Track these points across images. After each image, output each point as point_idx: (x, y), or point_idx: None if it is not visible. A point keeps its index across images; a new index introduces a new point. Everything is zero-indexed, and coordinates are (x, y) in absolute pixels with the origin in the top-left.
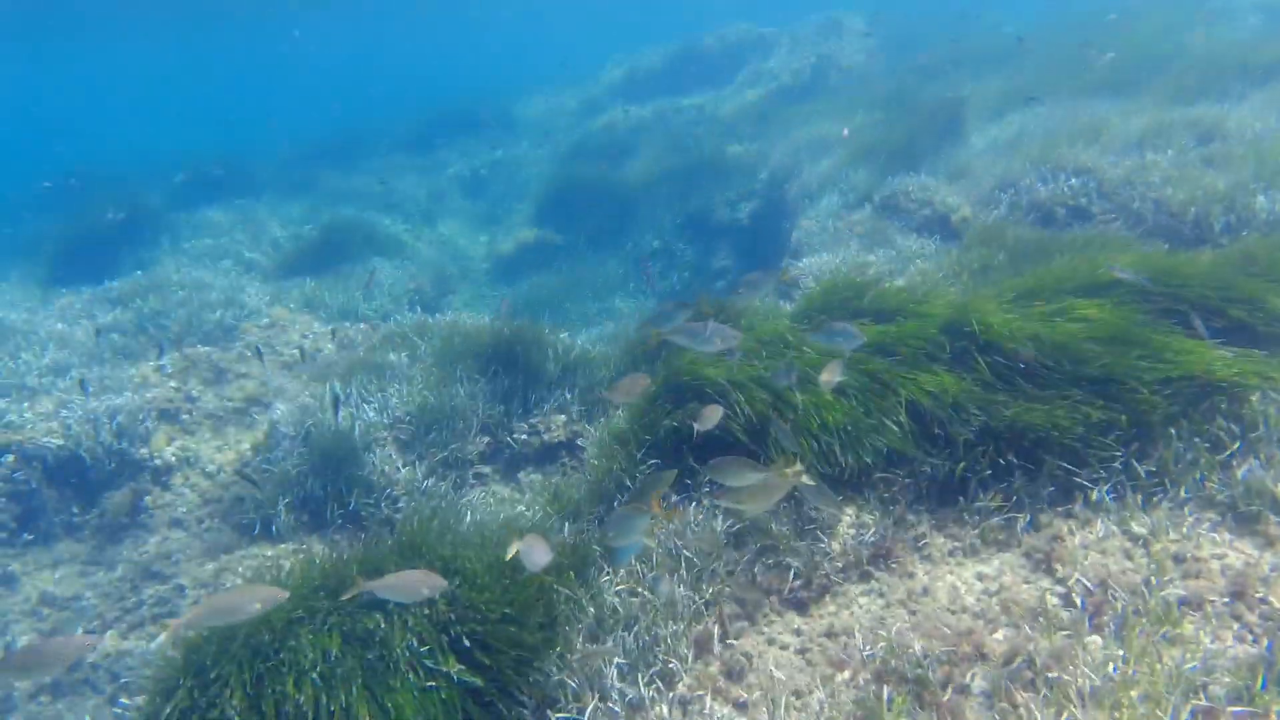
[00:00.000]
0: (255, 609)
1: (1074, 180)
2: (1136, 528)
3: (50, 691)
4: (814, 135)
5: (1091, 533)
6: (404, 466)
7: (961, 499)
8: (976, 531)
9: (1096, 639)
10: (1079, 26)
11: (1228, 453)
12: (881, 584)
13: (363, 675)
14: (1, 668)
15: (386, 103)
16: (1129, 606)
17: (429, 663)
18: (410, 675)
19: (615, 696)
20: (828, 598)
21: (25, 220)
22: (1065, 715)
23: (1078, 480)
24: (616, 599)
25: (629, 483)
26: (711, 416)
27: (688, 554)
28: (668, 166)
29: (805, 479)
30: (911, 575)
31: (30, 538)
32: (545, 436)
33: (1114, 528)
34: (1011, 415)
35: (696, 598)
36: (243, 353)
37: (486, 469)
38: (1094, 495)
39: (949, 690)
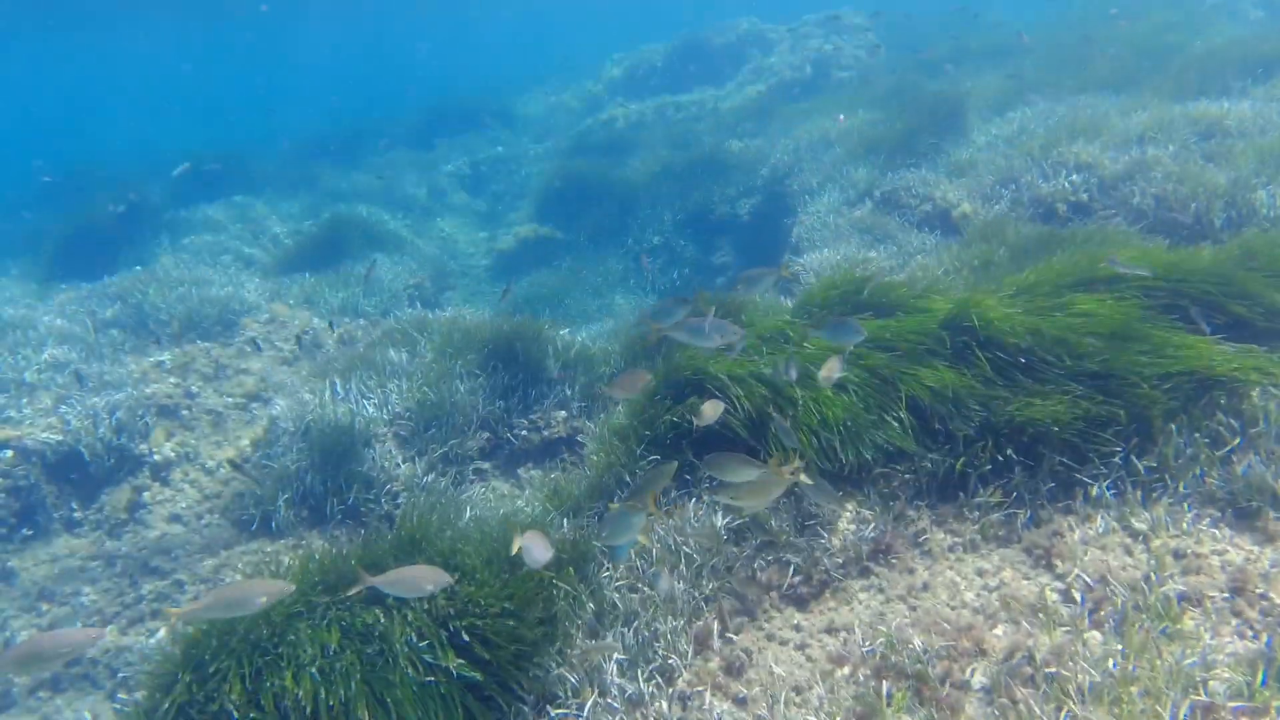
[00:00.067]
0: (262, 602)
1: (1075, 176)
2: (1136, 524)
3: (50, 686)
4: (815, 131)
5: (1091, 529)
6: (404, 462)
7: (962, 495)
8: (977, 527)
9: (1096, 635)
10: (1080, 23)
11: (1228, 449)
12: (881, 579)
13: (361, 670)
14: (8, 660)
15: (387, 99)
16: (1129, 602)
17: (428, 657)
18: (409, 670)
19: (615, 692)
20: (828, 593)
21: (23, 216)
22: (1065, 711)
23: (1078, 476)
24: (616, 594)
25: (629, 478)
26: (712, 412)
27: (687, 549)
28: (668, 163)
29: (804, 476)
30: (911, 571)
31: (29, 533)
32: (545, 432)
33: (1114, 524)
34: (1012, 410)
35: (696, 593)
36: (242, 348)
37: (486, 465)
38: (1094, 491)
39: (948, 686)
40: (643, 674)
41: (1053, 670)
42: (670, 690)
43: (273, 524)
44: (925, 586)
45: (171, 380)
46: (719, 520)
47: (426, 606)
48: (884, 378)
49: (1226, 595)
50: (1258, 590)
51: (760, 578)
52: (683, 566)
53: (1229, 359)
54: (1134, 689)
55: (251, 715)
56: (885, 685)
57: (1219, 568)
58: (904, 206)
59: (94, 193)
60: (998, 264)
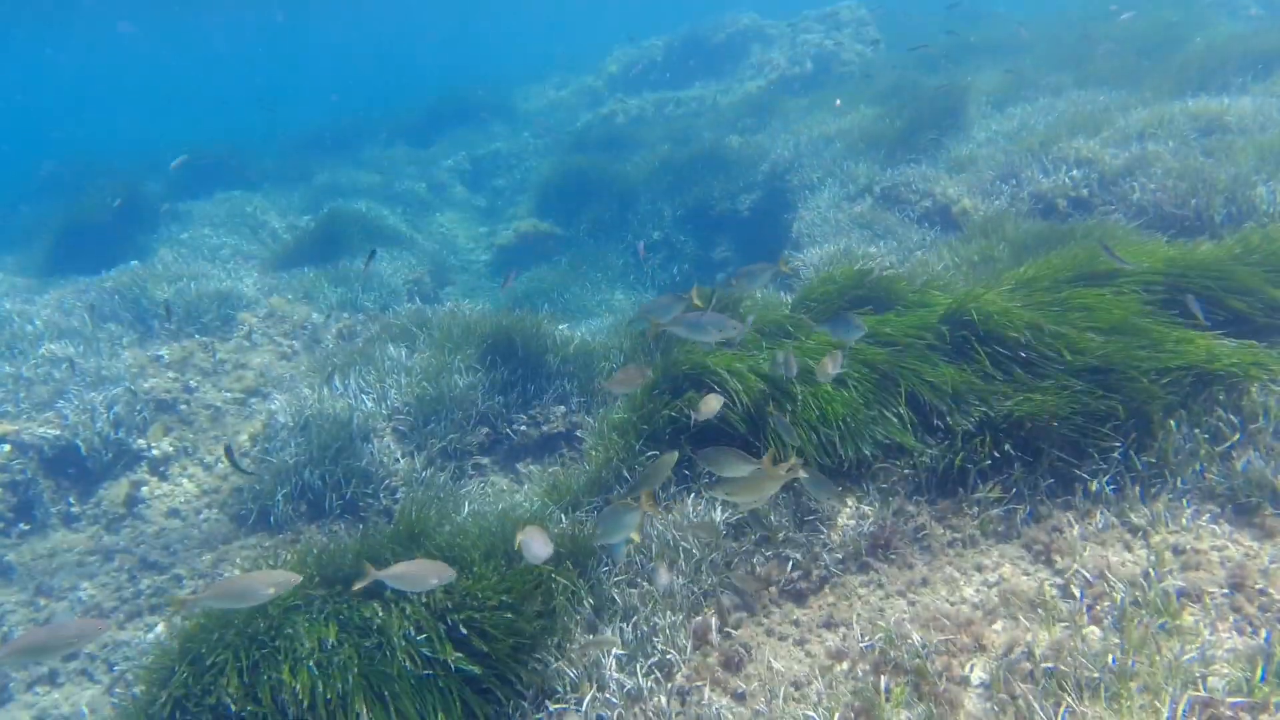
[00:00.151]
0: (270, 592)
1: (1076, 171)
2: (1136, 519)
3: (48, 680)
4: (815, 127)
5: (1091, 524)
6: (402, 457)
7: (961, 490)
8: (976, 523)
9: (1095, 630)
10: (1080, 19)
11: (1227, 444)
12: (881, 575)
13: (359, 663)
14: (13, 649)
15: (386, 94)
16: (1128, 598)
17: (426, 651)
18: (407, 663)
19: (614, 687)
20: (826, 588)
21: (21, 210)
22: (1063, 706)
23: (1077, 472)
24: (615, 590)
25: (627, 473)
26: (711, 406)
27: (686, 545)
28: (668, 158)
29: (802, 472)
30: (911, 566)
31: (27, 528)
32: (544, 427)
33: (1113, 519)
34: (1011, 406)
35: (695, 588)
36: (241, 343)
37: (485, 460)
38: (1093, 487)
39: (947, 681)
40: (641, 669)
41: (1051, 666)
42: (669, 685)
43: (271, 519)
44: (924, 582)
45: (169, 375)
46: (718, 515)
47: (425, 600)
48: (884, 373)
49: (1226, 591)
50: (1257, 586)
51: (759, 573)
52: (682, 561)
53: (1228, 354)
54: (1133, 684)
55: (249, 708)
56: (884, 680)
57: (1218, 563)
58: (904, 202)
59: (92, 186)
60: (998, 259)
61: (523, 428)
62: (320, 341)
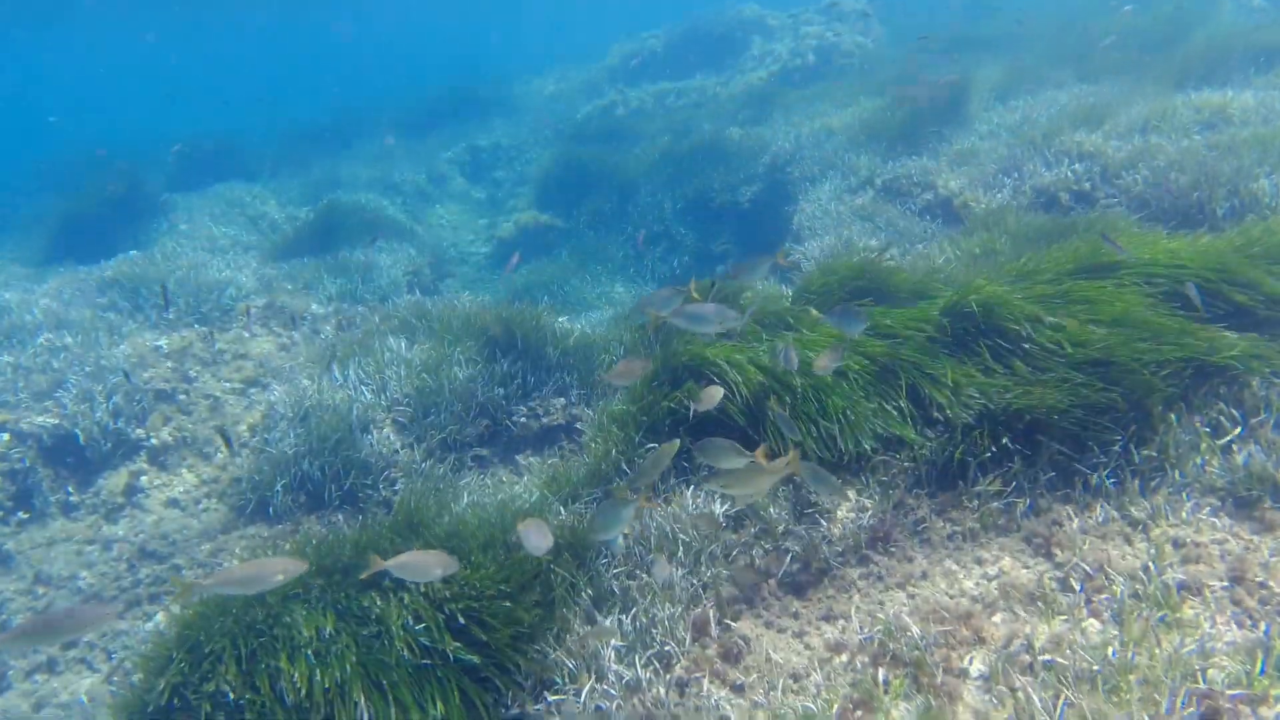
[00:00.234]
0: (278, 579)
1: (1078, 165)
2: (1136, 512)
3: (46, 669)
4: (816, 119)
5: (1091, 517)
6: (402, 448)
7: (961, 483)
8: (976, 516)
9: (1095, 623)
10: (1083, 12)
11: (1228, 438)
12: (880, 568)
13: (357, 652)
14: (21, 633)
15: (386, 85)
16: (1128, 591)
17: (425, 640)
18: (405, 652)
19: (612, 678)
20: (826, 581)
21: (20, 200)
22: (1062, 699)
23: (1077, 465)
24: (614, 581)
25: (626, 466)
26: (711, 398)
27: (685, 537)
28: (669, 150)
29: (799, 468)
30: (910, 559)
31: (26, 517)
32: (544, 419)
33: (1113, 512)
34: (1010, 399)
35: (694, 580)
36: (240, 334)
37: (485, 451)
38: (1093, 480)
39: (946, 673)
40: (640, 660)
41: (1051, 658)
42: (668, 676)
43: (270, 509)
44: (924, 575)
45: (169, 364)
46: (717, 507)
47: (423, 589)
48: (884, 365)
49: (1226, 584)
50: (1257, 579)
51: (759, 565)
52: (681, 553)
53: (1230, 347)
54: (1132, 677)
55: (247, 696)
56: (882, 672)
57: (1218, 557)
58: (905, 195)
59: (92, 176)
60: (999, 252)
61: (522, 420)
62: (319, 332)
